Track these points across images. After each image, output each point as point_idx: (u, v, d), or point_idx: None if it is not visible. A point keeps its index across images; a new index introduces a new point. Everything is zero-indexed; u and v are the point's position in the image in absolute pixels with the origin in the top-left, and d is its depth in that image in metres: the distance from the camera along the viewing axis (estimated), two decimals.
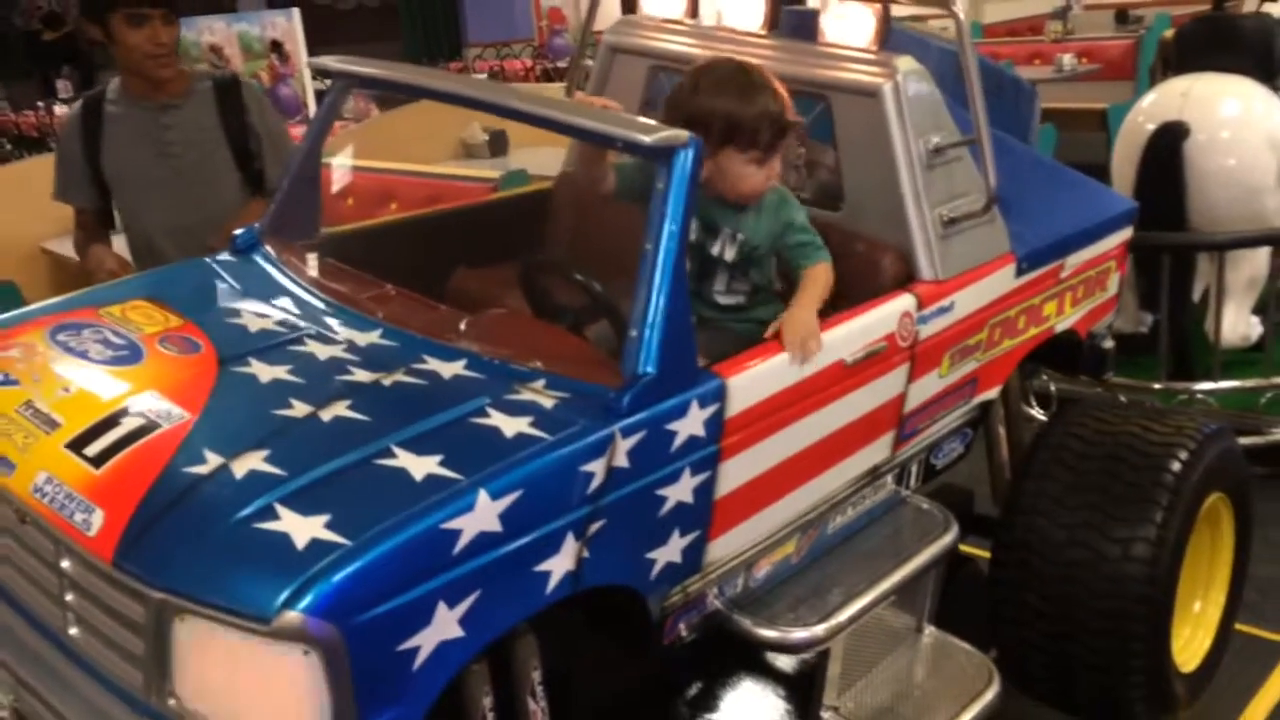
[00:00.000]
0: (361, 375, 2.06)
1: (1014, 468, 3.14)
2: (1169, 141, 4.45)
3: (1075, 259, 3.07)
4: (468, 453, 1.82)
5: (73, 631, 1.87)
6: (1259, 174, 4.46)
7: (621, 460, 1.94)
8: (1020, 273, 2.85)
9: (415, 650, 1.69)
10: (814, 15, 2.77)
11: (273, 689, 1.63)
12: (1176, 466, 2.74)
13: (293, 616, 1.56)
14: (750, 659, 2.44)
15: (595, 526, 1.92)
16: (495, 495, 1.75)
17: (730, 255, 2.46)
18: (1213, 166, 4.43)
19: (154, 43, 3.16)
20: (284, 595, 1.57)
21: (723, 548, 2.25)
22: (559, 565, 1.87)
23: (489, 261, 2.84)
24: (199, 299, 2.41)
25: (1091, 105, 7.62)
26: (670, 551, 2.12)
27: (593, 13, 3.25)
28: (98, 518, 1.76)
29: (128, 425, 1.91)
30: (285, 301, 2.38)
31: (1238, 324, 4.50)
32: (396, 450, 1.81)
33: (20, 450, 1.93)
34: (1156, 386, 4.37)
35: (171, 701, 1.70)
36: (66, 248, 5.62)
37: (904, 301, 2.53)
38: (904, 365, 2.55)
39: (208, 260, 2.60)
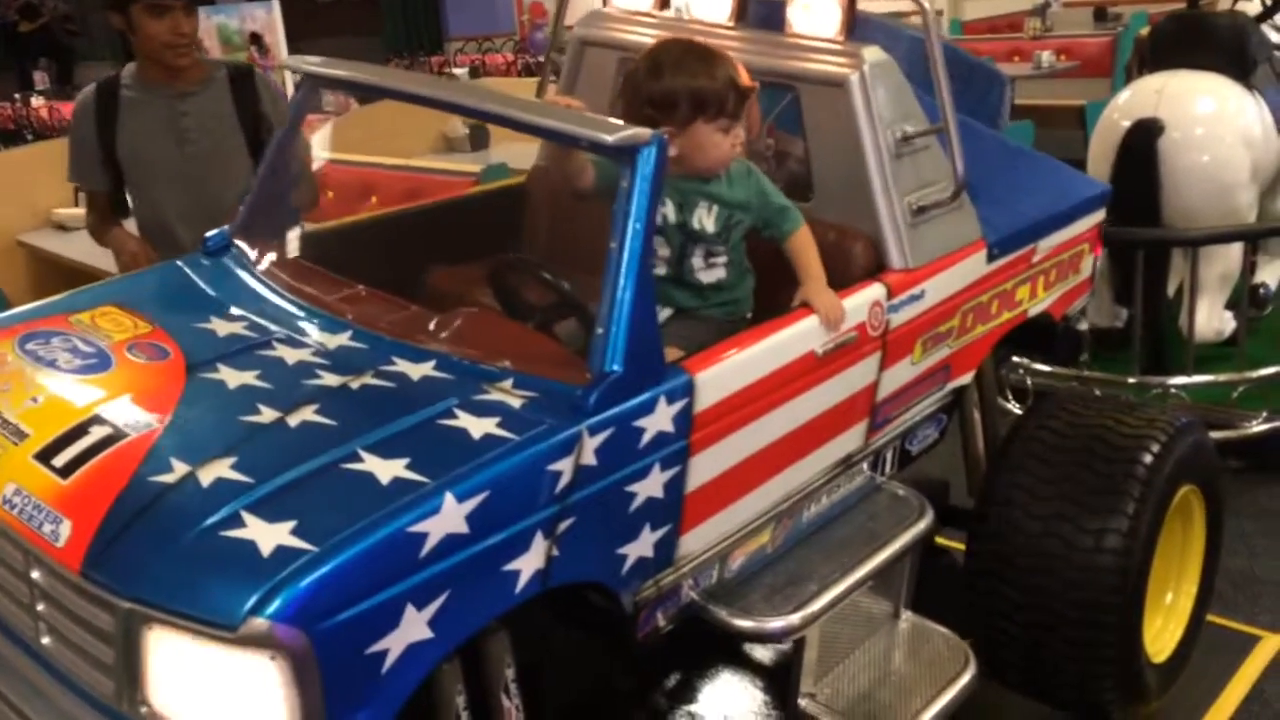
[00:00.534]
0: (330, 379, 2.06)
1: (989, 460, 3.15)
2: (1144, 138, 4.46)
3: (1047, 243, 3.08)
4: (434, 455, 1.83)
5: (45, 641, 1.88)
6: (1232, 170, 4.48)
7: (589, 458, 1.95)
8: (991, 258, 2.86)
9: (384, 653, 1.70)
10: (781, 6, 2.76)
11: (242, 695, 1.64)
12: (1148, 459, 2.75)
13: (259, 623, 1.58)
14: (727, 649, 2.46)
15: (564, 525, 1.93)
16: (462, 497, 1.76)
17: (711, 226, 2.47)
18: (1187, 163, 4.44)
19: (175, 33, 3.22)
20: (250, 602, 1.58)
21: (695, 541, 2.27)
22: (528, 564, 1.88)
23: (466, 257, 2.83)
24: (168, 304, 2.41)
25: (1069, 102, 7.60)
26: (642, 546, 2.13)
27: (562, 9, 3.24)
28: (65, 528, 1.77)
29: (95, 435, 1.91)
30: (255, 305, 2.37)
31: (1211, 319, 4.52)
32: (363, 454, 1.82)
33: None
34: (1131, 380, 4.37)
35: (143, 709, 1.71)
36: (44, 240, 5.64)
37: (874, 291, 2.54)
38: (875, 354, 2.56)
39: (179, 263, 2.60)
